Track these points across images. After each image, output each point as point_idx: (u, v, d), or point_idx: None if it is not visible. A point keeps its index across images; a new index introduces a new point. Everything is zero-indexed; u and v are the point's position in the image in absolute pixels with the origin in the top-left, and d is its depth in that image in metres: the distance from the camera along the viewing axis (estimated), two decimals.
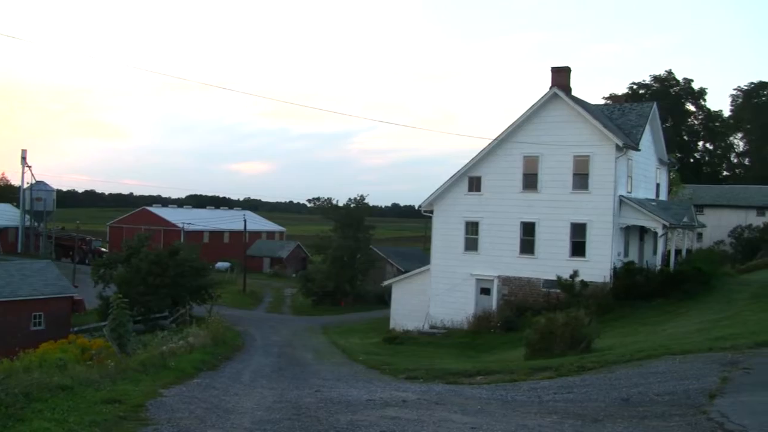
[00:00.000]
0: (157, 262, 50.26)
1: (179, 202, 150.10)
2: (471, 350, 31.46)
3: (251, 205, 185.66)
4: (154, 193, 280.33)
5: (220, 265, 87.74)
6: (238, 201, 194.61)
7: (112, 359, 19.20)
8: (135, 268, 50.12)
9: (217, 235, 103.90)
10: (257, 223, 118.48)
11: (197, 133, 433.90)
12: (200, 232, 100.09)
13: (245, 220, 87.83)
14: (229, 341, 29.41)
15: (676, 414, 10.05)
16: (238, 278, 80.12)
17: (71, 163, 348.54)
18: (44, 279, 49.50)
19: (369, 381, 18.26)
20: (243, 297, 71.09)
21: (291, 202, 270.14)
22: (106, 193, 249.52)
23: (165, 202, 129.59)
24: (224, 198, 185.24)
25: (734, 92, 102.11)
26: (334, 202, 75.43)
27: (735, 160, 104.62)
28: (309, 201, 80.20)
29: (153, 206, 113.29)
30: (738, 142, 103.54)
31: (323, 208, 76.38)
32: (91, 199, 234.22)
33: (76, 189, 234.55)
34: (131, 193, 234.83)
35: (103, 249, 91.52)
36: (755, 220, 67.43)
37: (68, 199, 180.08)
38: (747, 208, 70.18)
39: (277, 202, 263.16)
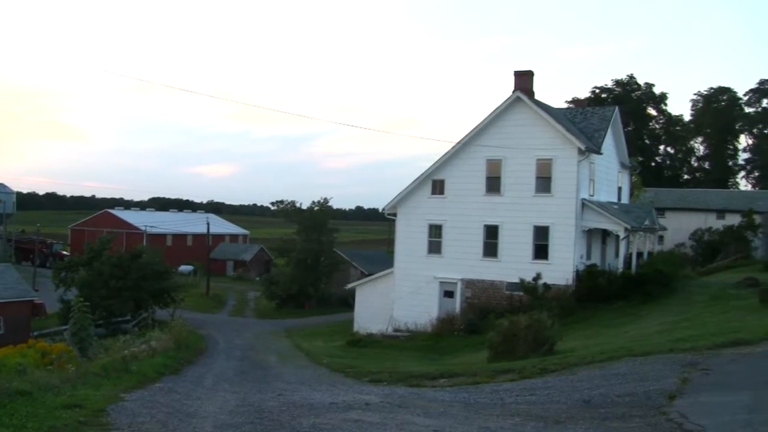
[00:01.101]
0: (119, 265, 49.76)
1: (142, 205, 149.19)
2: (434, 353, 31.54)
3: (214, 207, 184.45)
4: (117, 196, 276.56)
5: (183, 268, 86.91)
6: (201, 204, 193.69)
7: (72, 364, 18.95)
8: (97, 272, 49.55)
9: (180, 238, 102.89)
10: (220, 226, 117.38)
11: (160, 136, 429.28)
12: (163, 235, 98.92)
13: (208, 223, 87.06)
14: (192, 345, 29.22)
15: (636, 415, 10.17)
16: (201, 281, 79.41)
17: (32, 165, 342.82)
18: (3, 282, 48.65)
19: (332, 384, 18.26)
20: (206, 300, 70.48)
21: (254, 204, 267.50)
22: (68, 195, 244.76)
23: (127, 204, 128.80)
24: (187, 201, 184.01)
25: (695, 97, 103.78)
26: (298, 204, 75.26)
27: (695, 164, 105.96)
28: (272, 204, 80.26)
29: (115, 209, 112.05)
30: (698, 146, 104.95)
31: (287, 211, 76.14)
32: (52, 201, 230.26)
33: (37, 191, 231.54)
34: (93, 196, 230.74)
35: (65, 252, 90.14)
36: (715, 223, 68.31)
37: (29, 201, 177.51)
38: (707, 211, 71.11)
39: (241, 205, 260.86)
